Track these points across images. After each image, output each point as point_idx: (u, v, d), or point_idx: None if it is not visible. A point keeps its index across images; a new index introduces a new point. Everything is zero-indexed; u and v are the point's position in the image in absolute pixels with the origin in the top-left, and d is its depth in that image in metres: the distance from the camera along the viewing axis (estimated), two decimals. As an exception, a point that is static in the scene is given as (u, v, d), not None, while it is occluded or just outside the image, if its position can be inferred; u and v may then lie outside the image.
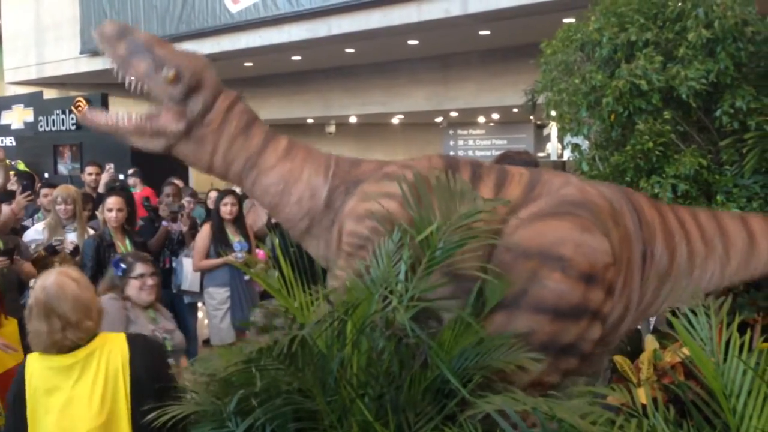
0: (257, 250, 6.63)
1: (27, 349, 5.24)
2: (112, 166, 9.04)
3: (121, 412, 2.68)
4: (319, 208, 3.19)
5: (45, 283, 2.73)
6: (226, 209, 6.53)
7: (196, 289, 6.67)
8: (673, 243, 3.10)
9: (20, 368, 2.81)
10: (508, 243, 2.83)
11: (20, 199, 6.86)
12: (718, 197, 4.05)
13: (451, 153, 18.30)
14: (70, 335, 2.69)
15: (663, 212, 3.18)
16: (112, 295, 3.99)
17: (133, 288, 4.02)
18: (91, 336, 2.75)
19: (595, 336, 2.87)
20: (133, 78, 3.18)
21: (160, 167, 10.28)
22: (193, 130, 3.22)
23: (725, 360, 2.13)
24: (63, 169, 13.41)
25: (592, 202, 2.96)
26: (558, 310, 2.77)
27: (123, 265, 4.07)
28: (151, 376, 2.76)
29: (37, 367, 2.74)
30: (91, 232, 6.09)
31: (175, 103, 3.19)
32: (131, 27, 3.30)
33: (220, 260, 6.35)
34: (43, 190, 7.05)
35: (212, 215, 6.81)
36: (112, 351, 2.75)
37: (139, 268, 4.04)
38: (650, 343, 4.20)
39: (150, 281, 4.04)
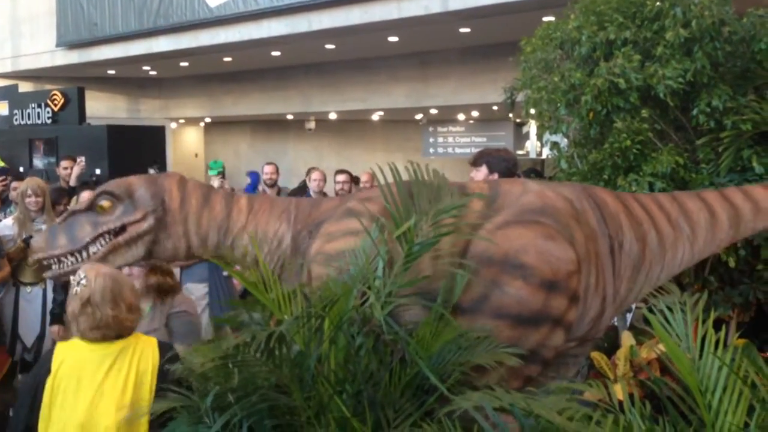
0: None
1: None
2: (83, 159, 8.91)
3: (143, 410, 2.70)
4: (286, 254, 3.22)
5: (103, 273, 2.82)
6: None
7: (174, 284, 6.62)
8: (642, 231, 3.17)
9: (45, 356, 2.88)
10: (474, 250, 2.86)
11: None
12: (695, 195, 4.09)
13: (431, 150, 18.31)
14: (131, 318, 2.83)
15: (627, 202, 3.24)
16: None
17: None
18: (129, 330, 2.84)
19: (558, 343, 2.90)
20: (92, 244, 3.20)
21: (134, 163, 10.25)
22: (162, 221, 3.23)
23: (701, 356, 2.15)
24: (38, 162, 13.25)
25: (553, 207, 3.00)
26: (518, 317, 2.80)
27: None
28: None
29: (70, 356, 2.79)
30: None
31: (134, 213, 3.22)
32: (49, 227, 3.36)
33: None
34: (14, 183, 6.97)
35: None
36: (143, 352, 2.82)
37: None
38: (627, 339, 4.25)
39: (133, 271, 4.10)
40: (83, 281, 2.76)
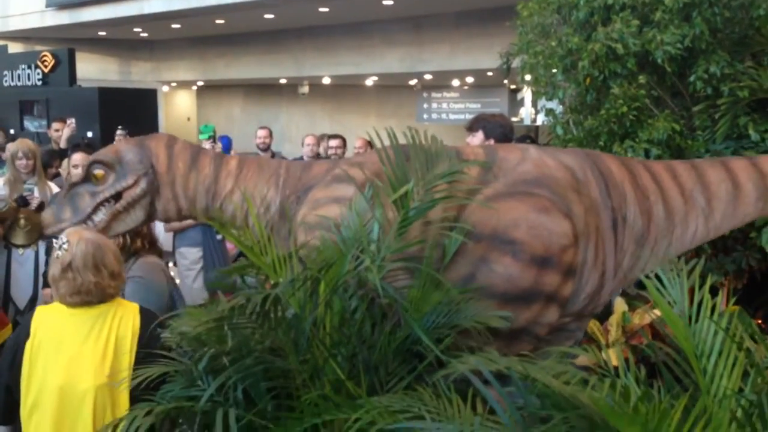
0: None
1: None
2: (73, 120, 8.83)
3: (123, 375, 2.69)
4: (274, 220, 3.17)
5: (86, 238, 2.78)
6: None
7: (168, 249, 6.59)
8: (647, 204, 2.99)
9: (25, 320, 2.87)
10: (463, 225, 2.75)
11: None
12: (690, 162, 4.08)
13: (425, 116, 18.23)
14: (113, 284, 2.79)
15: (635, 171, 3.04)
16: None
17: None
18: (111, 297, 2.81)
19: (551, 319, 2.82)
20: (94, 214, 3.23)
21: (126, 126, 10.17)
22: (154, 184, 3.23)
23: (696, 321, 2.15)
24: (29, 125, 13.14)
25: (551, 177, 2.86)
26: (506, 295, 2.72)
27: None
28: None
29: (48, 319, 2.78)
30: (55, 188, 5.99)
31: (126, 179, 3.23)
32: (50, 203, 3.48)
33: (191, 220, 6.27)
34: (8, 145, 6.94)
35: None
36: (124, 317, 2.79)
37: None
38: (619, 305, 4.27)
39: None
40: (65, 245, 2.74)
